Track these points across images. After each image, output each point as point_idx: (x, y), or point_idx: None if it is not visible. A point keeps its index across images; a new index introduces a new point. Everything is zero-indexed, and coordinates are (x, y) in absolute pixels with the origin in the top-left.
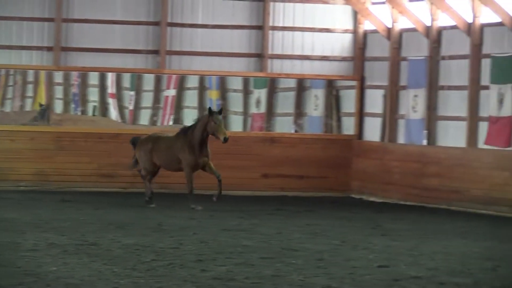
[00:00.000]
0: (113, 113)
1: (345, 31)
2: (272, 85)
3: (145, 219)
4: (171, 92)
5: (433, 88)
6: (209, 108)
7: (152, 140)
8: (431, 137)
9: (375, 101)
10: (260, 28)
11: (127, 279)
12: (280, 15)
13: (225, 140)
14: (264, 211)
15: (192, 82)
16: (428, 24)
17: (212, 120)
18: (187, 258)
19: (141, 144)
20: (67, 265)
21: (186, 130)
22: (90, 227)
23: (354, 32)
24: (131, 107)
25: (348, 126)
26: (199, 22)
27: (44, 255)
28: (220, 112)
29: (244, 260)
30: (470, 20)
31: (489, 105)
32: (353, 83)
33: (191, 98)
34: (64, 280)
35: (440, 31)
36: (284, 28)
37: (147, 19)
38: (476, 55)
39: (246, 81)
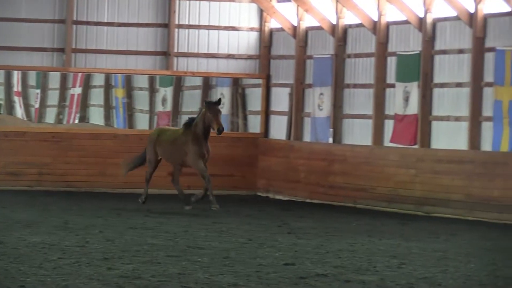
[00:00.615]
0: (19, 111)
1: (251, 29)
2: (178, 83)
3: (51, 218)
4: (77, 90)
5: (339, 86)
6: (205, 100)
7: (158, 132)
8: (337, 135)
9: (281, 99)
10: (166, 26)
11: (33, 277)
12: (186, 13)
13: (219, 131)
14: (170, 210)
15: (98, 80)
16: (334, 22)
17: (207, 111)
18: (94, 256)
19: (149, 135)
20: None
21: (189, 123)
22: None
23: (260, 30)
24: (37, 105)
25: (254, 125)
26: (105, 20)
27: None
28: (218, 103)
29: (150, 258)
30: (376, 18)
31: (394, 103)
32: (259, 81)
33: (97, 96)
34: None
35: (345, 29)
36: (189, 26)
37: (53, 17)
38: (381, 53)
39: (152, 79)
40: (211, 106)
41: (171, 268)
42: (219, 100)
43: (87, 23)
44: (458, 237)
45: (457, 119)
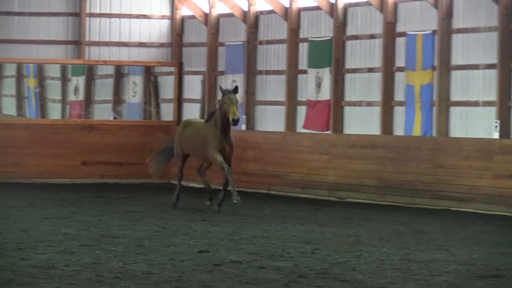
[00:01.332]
0: None
1: (163, 17)
2: (90, 72)
3: None
4: None
5: (251, 73)
6: (220, 87)
7: (184, 125)
8: (250, 122)
9: (193, 86)
10: (77, 15)
11: None
12: (97, 1)
13: (233, 121)
14: (84, 199)
15: (10, 70)
16: (246, 9)
17: (223, 100)
18: (7, 246)
19: (177, 130)
20: None
21: (212, 114)
22: None
23: (172, 18)
24: None
25: (167, 112)
26: (15, 10)
27: None
28: (234, 91)
29: (64, 248)
30: (287, 5)
31: (307, 89)
32: (171, 69)
33: (8, 86)
34: None
35: (257, 16)
36: (101, 15)
37: None
38: (293, 39)
39: (63, 69)
40: (227, 95)
41: (85, 257)
42: (236, 88)
43: None
44: (371, 222)
45: (369, 104)
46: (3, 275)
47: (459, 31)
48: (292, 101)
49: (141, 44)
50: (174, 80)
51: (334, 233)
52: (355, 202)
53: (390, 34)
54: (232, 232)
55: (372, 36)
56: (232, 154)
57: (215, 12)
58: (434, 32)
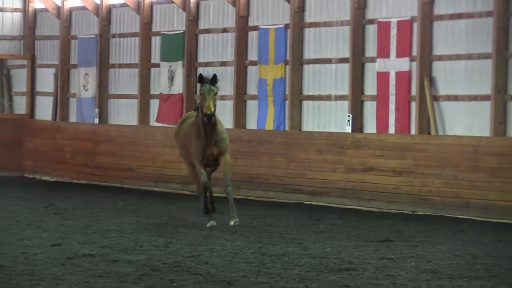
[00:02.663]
0: None
1: (15, 10)
2: None
3: None
4: None
5: (103, 67)
6: (199, 75)
7: (181, 120)
8: (103, 115)
9: (46, 80)
10: None
11: None
12: None
13: (206, 116)
14: None
15: None
16: (98, 2)
17: (200, 90)
18: None
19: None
20: None
21: (198, 107)
22: None
23: (24, 10)
24: None
25: (20, 106)
26: None
27: None
28: (212, 80)
29: None
30: None
31: (160, 83)
32: (24, 62)
33: None
34: None
35: (110, 9)
36: None
37: None
38: (146, 33)
39: None
40: (203, 85)
41: None
42: (214, 76)
43: None
44: (224, 216)
45: (222, 98)
46: None
47: (311, 25)
48: (144, 95)
49: None
50: (27, 73)
51: (187, 226)
52: None
53: (243, 28)
54: (85, 226)
55: (224, 30)
56: (224, 149)
57: (68, 5)
58: (286, 26)
